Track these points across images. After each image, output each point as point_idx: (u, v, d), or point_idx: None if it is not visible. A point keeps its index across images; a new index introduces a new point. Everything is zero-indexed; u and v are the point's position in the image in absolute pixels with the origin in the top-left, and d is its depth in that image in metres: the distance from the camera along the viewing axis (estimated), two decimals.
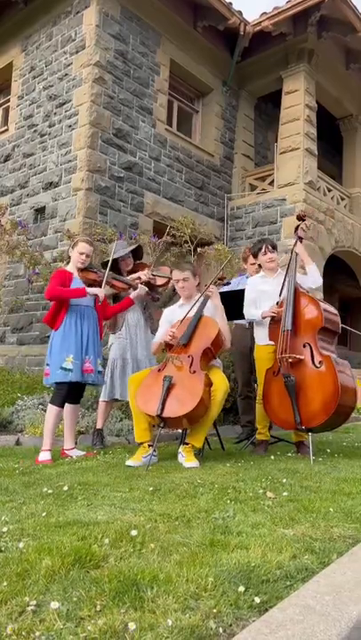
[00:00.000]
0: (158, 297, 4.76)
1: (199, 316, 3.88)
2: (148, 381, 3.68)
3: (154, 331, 4.67)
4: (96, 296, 4.15)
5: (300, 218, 4.49)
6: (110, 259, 4.46)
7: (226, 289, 5.06)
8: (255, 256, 4.53)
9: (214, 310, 4.00)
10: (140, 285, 4.48)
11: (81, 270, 4.22)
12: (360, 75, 11.67)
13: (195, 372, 3.61)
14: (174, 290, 4.66)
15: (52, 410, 4.00)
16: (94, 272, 4.30)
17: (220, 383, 3.66)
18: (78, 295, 4.03)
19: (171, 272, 4.63)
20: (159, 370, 3.73)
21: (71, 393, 4.12)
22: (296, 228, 4.45)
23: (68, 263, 4.33)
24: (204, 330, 3.81)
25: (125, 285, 4.50)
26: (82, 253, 4.19)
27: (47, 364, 4.06)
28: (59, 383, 3.97)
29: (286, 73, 10.68)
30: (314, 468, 3.41)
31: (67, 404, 4.17)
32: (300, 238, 4.40)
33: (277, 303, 4.09)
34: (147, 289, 4.52)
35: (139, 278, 4.57)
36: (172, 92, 10.38)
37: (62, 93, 9.04)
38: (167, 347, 3.92)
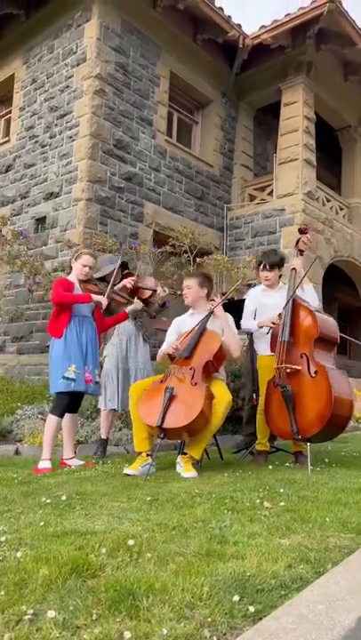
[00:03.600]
0: (154, 314, 4.78)
1: (202, 329, 3.90)
2: (150, 393, 3.70)
3: (147, 337, 4.73)
4: (97, 305, 4.19)
5: (302, 231, 4.46)
6: (98, 275, 4.58)
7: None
8: (258, 266, 4.55)
9: (220, 325, 4.02)
10: (136, 300, 4.49)
11: (82, 282, 4.25)
12: (359, 86, 11.79)
13: (196, 384, 3.63)
14: (163, 304, 4.74)
15: (52, 419, 4.00)
16: (95, 285, 4.35)
17: (223, 396, 3.66)
18: (84, 300, 4.08)
19: (155, 284, 4.70)
20: (161, 381, 3.75)
21: (71, 402, 4.15)
22: (297, 242, 4.43)
23: (69, 273, 4.36)
24: (207, 343, 3.83)
25: (124, 300, 4.53)
26: (85, 266, 4.24)
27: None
28: (60, 393, 3.98)
29: (285, 85, 10.79)
30: (311, 477, 3.42)
31: (66, 414, 4.19)
32: (301, 252, 4.39)
33: (279, 315, 4.11)
34: (142, 305, 4.53)
35: (124, 287, 4.61)
36: (172, 103, 10.48)
37: (63, 105, 9.13)
38: (170, 358, 3.94)
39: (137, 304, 4.46)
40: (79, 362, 4.00)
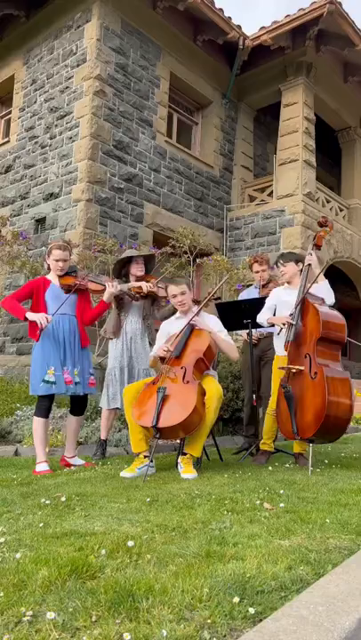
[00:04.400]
0: (138, 297, 4.59)
1: (191, 329, 3.92)
2: (144, 395, 3.72)
3: (152, 341, 4.66)
4: (80, 298, 4.13)
5: (322, 224, 4.30)
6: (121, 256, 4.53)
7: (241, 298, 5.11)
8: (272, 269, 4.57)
9: (208, 322, 4.03)
10: (110, 284, 4.29)
11: (60, 277, 4.14)
12: (358, 87, 11.81)
13: (188, 382, 3.66)
14: None
15: (37, 422, 3.93)
16: (73, 277, 4.20)
17: (214, 390, 3.69)
18: (16, 315, 3.92)
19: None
20: (154, 382, 3.77)
21: (73, 405, 4.14)
22: (315, 236, 4.28)
23: (48, 271, 4.22)
24: (196, 342, 3.86)
25: (101, 287, 4.32)
26: (57, 260, 4.09)
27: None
28: (42, 396, 3.93)
29: (285, 86, 10.80)
30: (311, 479, 3.41)
31: (70, 416, 4.17)
32: (318, 247, 4.25)
33: (291, 314, 4.09)
34: (119, 288, 4.36)
35: (140, 287, 4.57)
36: (172, 104, 10.50)
37: (63, 106, 9.14)
38: (162, 360, 3.95)
39: (112, 288, 4.25)
40: (57, 363, 3.92)
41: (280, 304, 4.33)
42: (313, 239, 4.32)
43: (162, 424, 3.47)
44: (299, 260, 4.38)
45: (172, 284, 4.10)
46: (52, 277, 4.15)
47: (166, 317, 4.63)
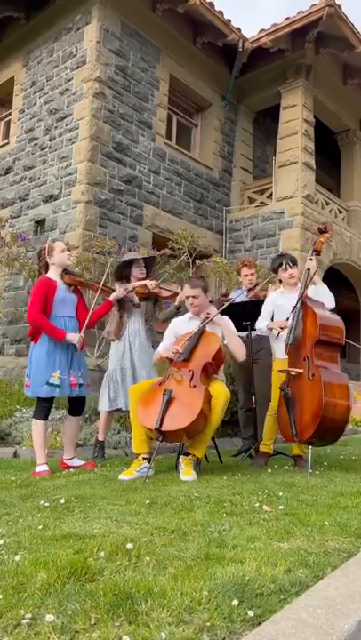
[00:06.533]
0: (138, 303, 4.61)
1: (201, 332, 3.90)
2: (150, 396, 3.69)
3: (154, 343, 4.67)
4: (80, 301, 4.12)
5: (322, 231, 4.33)
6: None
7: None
8: (275, 271, 4.53)
9: (219, 326, 4.01)
10: (117, 287, 4.38)
11: (64, 274, 4.10)
12: (358, 90, 11.83)
13: (195, 386, 3.62)
14: (178, 308, 4.67)
15: (37, 424, 3.93)
16: (76, 276, 4.23)
17: (220, 391, 3.67)
18: (55, 337, 3.88)
19: (181, 289, 4.61)
20: (160, 384, 3.75)
21: (73, 406, 4.13)
22: (315, 242, 4.28)
23: (44, 271, 4.13)
24: (206, 345, 3.82)
25: (107, 289, 4.37)
26: (63, 250, 4.06)
27: (27, 376, 3.97)
28: (43, 398, 3.93)
29: (284, 88, 10.82)
30: (310, 481, 3.41)
31: (69, 416, 4.17)
32: (318, 252, 4.26)
33: (287, 318, 4.09)
34: (126, 288, 4.43)
35: (144, 286, 4.58)
36: (172, 106, 10.51)
37: (63, 107, 9.15)
38: (169, 361, 3.93)
39: (118, 290, 4.34)
40: (64, 367, 3.92)
41: (277, 309, 4.34)
42: (313, 244, 4.32)
43: (165, 427, 3.46)
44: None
45: (187, 284, 4.10)
46: (55, 277, 4.05)
47: (168, 319, 4.64)
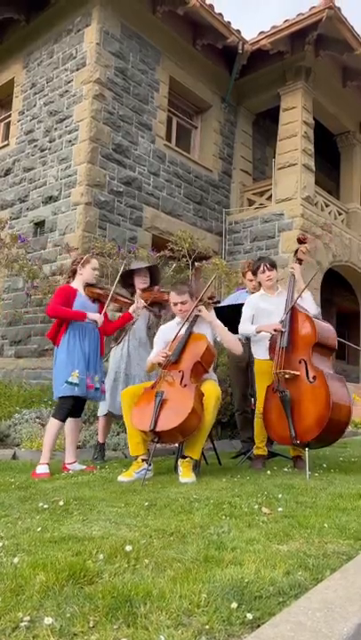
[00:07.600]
0: (160, 314, 4.77)
1: (189, 333, 3.92)
2: (142, 399, 3.72)
3: None
4: (100, 309, 4.22)
5: (301, 241, 4.52)
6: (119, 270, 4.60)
7: (227, 302, 5.09)
8: (254, 274, 4.58)
9: (207, 326, 4.00)
10: (137, 298, 4.51)
11: (88, 286, 4.27)
12: (357, 92, 11.84)
13: (185, 385, 3.66)
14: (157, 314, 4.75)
15: (54, 423, 4.00)
16: (101, 288, 4.38)
17: (212, 390, 3.70)
18: (78, 318, 4.09)
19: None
20: (152, 387, 3.77)
21: (74, 407, 4.14)
22: (296, 251, 4.49)
23: (70, 277, 4.36)
24: (194, 346, 3.86)
25: (128, 301, 4.54)
26: (95, 269, 4.30)
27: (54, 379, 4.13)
28: (63, 397, 3.99)
29: (284, 90, 10.83)
30: (310, 483, 3.41)
31: (70, 419, 4.18)
32: (300, 260, 4.44)
33: (281, 321, 4.12)
34: (144, 302, 4.54)
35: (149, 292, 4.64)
36: (172, 108, 10.52)
37: (63, 109, 9.15)
38: (160, 365, 3.95)
39: (138, 302, 4.47)
40: (82, 367, 4.03)
41: (258, 312, 4.35)
42: (294, 254, 4.50)
43: (159, 428, 3.48)
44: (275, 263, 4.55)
45: (173, 291, 4.08)
46: (79, 286, 4.26)
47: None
